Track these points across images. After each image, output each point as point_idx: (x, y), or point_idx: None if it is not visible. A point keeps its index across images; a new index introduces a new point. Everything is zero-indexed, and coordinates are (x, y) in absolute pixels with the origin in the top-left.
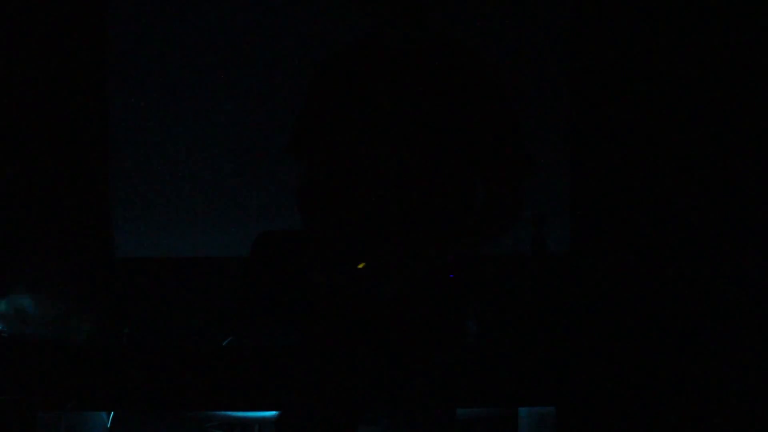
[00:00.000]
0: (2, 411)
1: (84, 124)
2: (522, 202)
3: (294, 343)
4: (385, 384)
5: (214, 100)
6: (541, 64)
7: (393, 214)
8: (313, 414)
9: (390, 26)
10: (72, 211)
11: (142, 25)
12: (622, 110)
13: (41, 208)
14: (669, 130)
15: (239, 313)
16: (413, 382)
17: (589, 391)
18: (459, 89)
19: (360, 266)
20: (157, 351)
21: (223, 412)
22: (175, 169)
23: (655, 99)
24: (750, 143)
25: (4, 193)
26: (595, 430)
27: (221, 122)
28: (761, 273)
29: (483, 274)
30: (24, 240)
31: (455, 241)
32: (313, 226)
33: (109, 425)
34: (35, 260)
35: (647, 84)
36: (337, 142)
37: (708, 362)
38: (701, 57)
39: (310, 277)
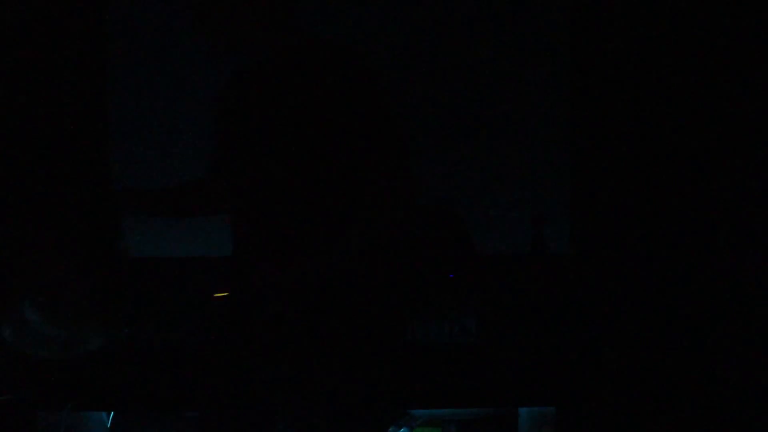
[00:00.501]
0: (2, 411)
1: (83, 124)
2: (406, 188)
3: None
4: (303, 385)
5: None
6: (541, 64)
7: (284, 220)
8: (231, 415)
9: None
10: (70, 209)
11: (142, 24)
12: (622, 110)
13: (39, 207)
14: (670, 130)
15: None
16: (337, 383)
17: (589, 391)
18: (332, 95)
19: (219, 295)
20: (157, 351)
21: None
22: (175, 169)
23: (655, 98)
24: (751, 143)
25: (3, 192)
26: (595, 430)
27: None
28: (762, 273)
29: (483, 274)
30: (21, 239)
31: (348, 237)
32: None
33: (109, 425)
34: (33, 259)
35: (648, 84)
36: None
37: (708, 362)
38: (702, 57)
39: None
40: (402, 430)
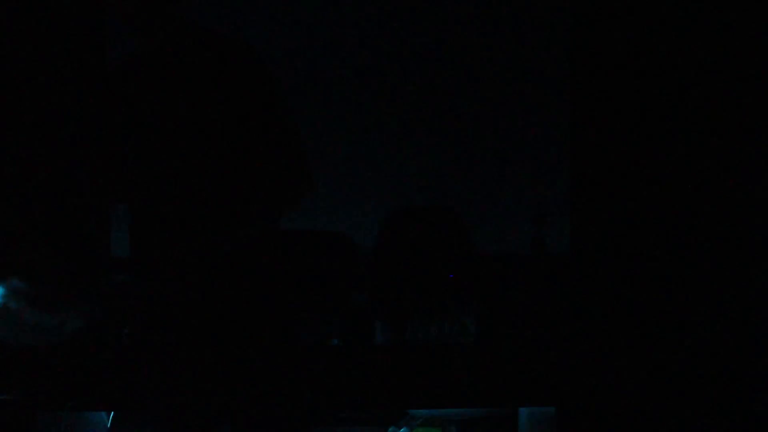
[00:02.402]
0: (2, 411)
1: (83, 123)
2: (300, 174)
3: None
4: (237, 384)
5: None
6: (541, 63)
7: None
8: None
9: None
10: (70, 209)
11: None
12: (622, 110)
13: (39, 207)
14: (669, 130)
15: None
16: (262, 385)
17: (589, 391)
18: (222, 82)
19: None
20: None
21: None
22: None
23: (655, 98)
24: (750, 143)
25: (2, 191)
26: (595, 430)
27: None
28: (762, 272)
29: (483, 274)
30: (21, 238)
31: (246, 221)
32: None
33: (109, 425)
34: (32, 258)
35: (648, 83)
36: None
37: (708, 362)
38: (702, 56)
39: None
40: (402, 430)
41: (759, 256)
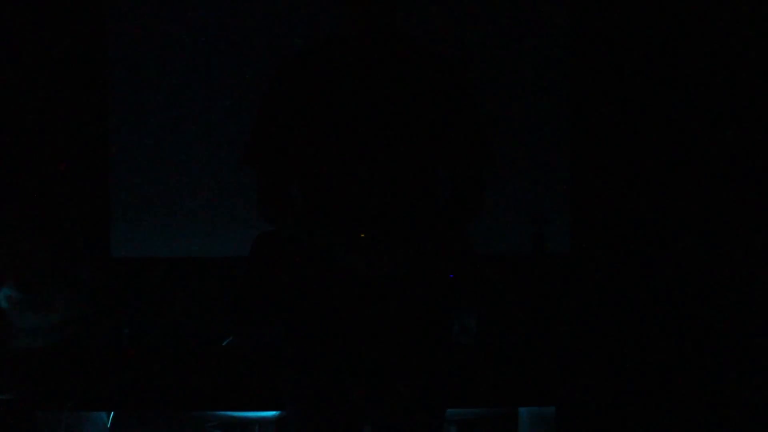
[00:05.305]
0: (2, 411)
1: (84, 124)
2: (484, 190)
3: (287, 343)
4: (374, 385)
5: (214, 100)
6: (541, 64)
7: (366, 210)
8: (316, 414)
9: (357, 25)
10: (70, 210)
11: (142, 25)
12: (622, 110)
13: (39, 208)
14: (669, 130)
15: (239, 313)
16: (402, 382)
17: (589, 391)
18: (424, 86)
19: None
20: (157, 351)
21: (223, 412)
22: (174, 169)
23: (655, 99)
24: (750, 143)
25: (2, 192)
26: (595, 430)
27: (221, 121)
28: (762, 272)
29: (483, 274)
30: (22, 239)
31: (427, 231)
32: (287, 228)
33: (109, 425)
34: (33, 259)
35: (647, 84)
36: (301, 144)
37: (708, 362)
38: (701, 57)
39: (352, 263)
40: None
41: (759, 255)
